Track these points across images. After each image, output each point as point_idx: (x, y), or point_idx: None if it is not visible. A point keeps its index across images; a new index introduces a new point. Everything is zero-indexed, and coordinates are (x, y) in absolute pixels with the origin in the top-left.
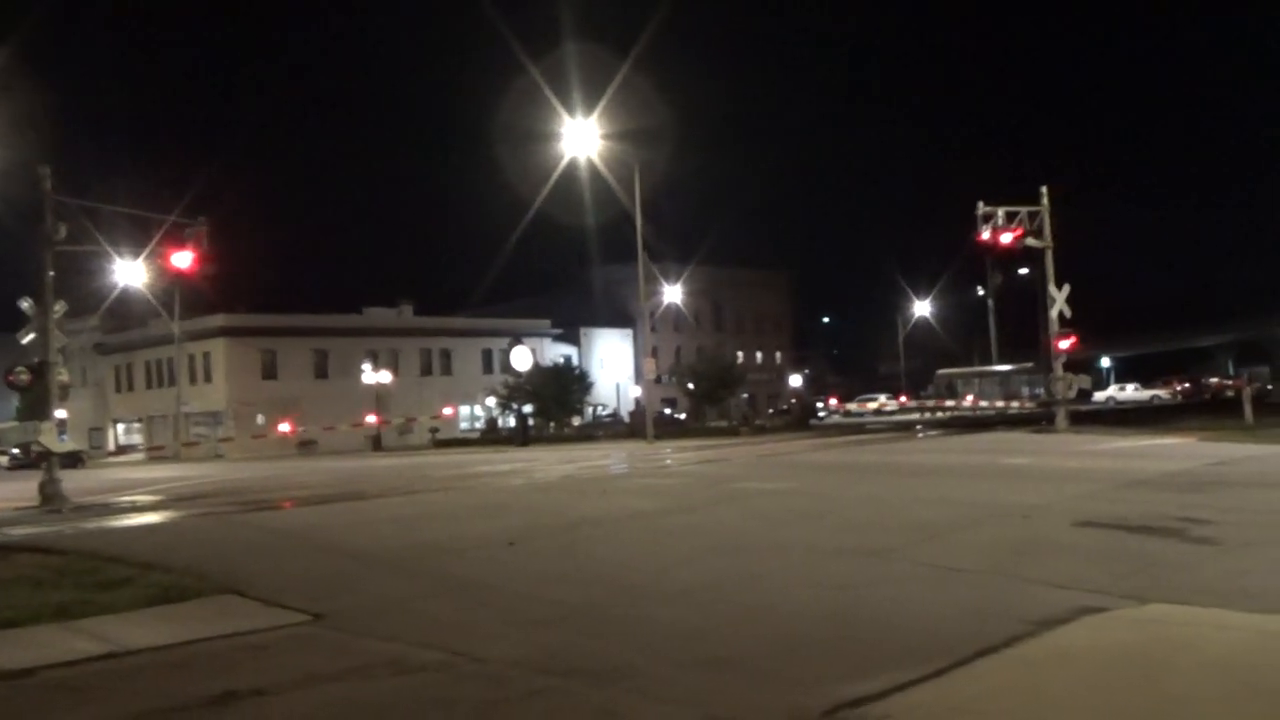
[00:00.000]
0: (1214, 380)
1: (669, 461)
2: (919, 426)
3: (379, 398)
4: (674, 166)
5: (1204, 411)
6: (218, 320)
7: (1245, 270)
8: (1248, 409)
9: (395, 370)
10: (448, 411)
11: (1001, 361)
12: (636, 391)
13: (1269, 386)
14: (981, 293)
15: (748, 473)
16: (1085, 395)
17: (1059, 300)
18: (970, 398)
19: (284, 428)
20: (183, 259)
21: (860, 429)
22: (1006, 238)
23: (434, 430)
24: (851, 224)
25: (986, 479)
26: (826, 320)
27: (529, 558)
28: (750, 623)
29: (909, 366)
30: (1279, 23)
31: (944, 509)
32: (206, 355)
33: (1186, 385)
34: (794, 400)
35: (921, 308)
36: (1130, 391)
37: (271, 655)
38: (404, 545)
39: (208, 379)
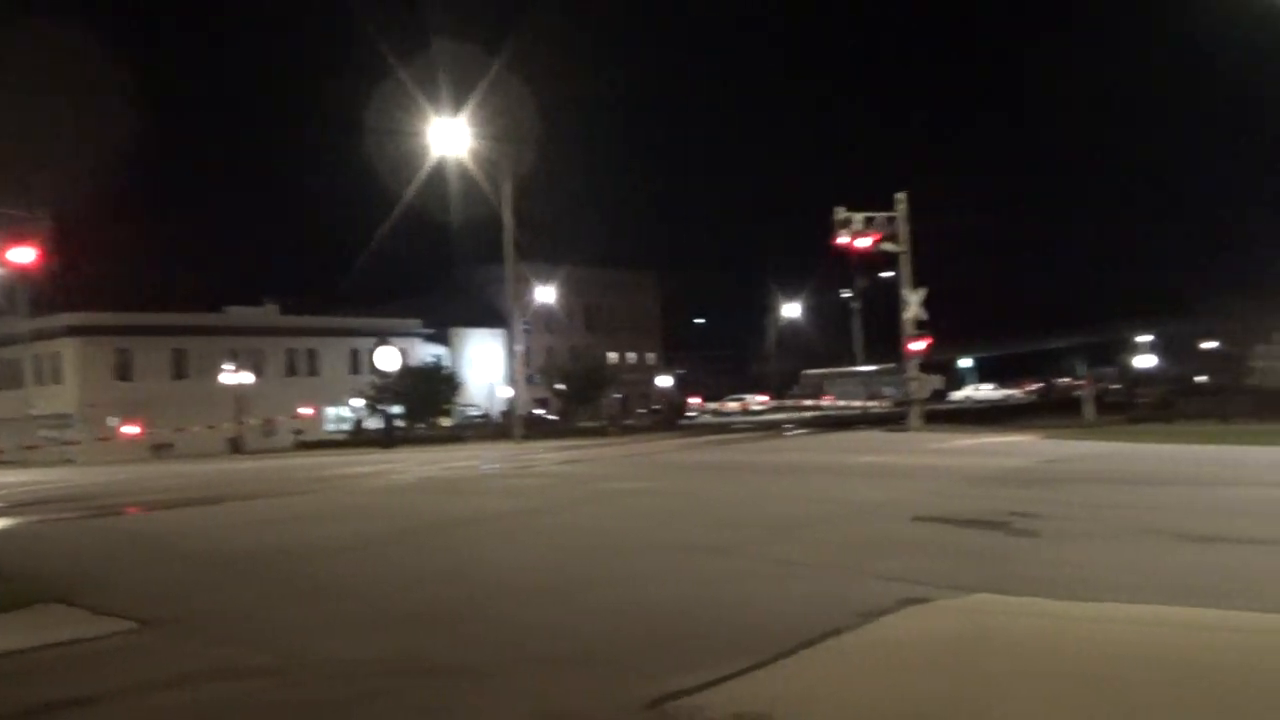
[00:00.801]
0: (1064, 381)
1: (536, 462)
2: (788, 425)
3: (239, 399)
4: (547, 166)
5: (1052, 410)
6: (67, 319)
7: (1098, 277)
8: (1088, 408)
9: (259, 371)
10: (306, 411)
11: (867, 362)
12: (509, 392)
13: (1113, 386)
14: (847, 295)
15: (613, 472)
16: (941, 395)
17: (914, 303)
18: (826, 398)
19: (131, 430)
20: (23, 254)
21: (727, 429)
22: (863, 242)
23: (298, 432)
24: (724, 225)
25: (839, 477)
26: (700, 321)
27: (386, 560)
28: (606, 619)
29: (780, 367)
30: (1135, 38)
31: (797, 506)
32: (55, 356)
33: (1039, 385)
34: (663, 400)
35: (791, 309)
36: (986, 391)
37: (96, 665)
38: (254, 550)
39: (57, 380)
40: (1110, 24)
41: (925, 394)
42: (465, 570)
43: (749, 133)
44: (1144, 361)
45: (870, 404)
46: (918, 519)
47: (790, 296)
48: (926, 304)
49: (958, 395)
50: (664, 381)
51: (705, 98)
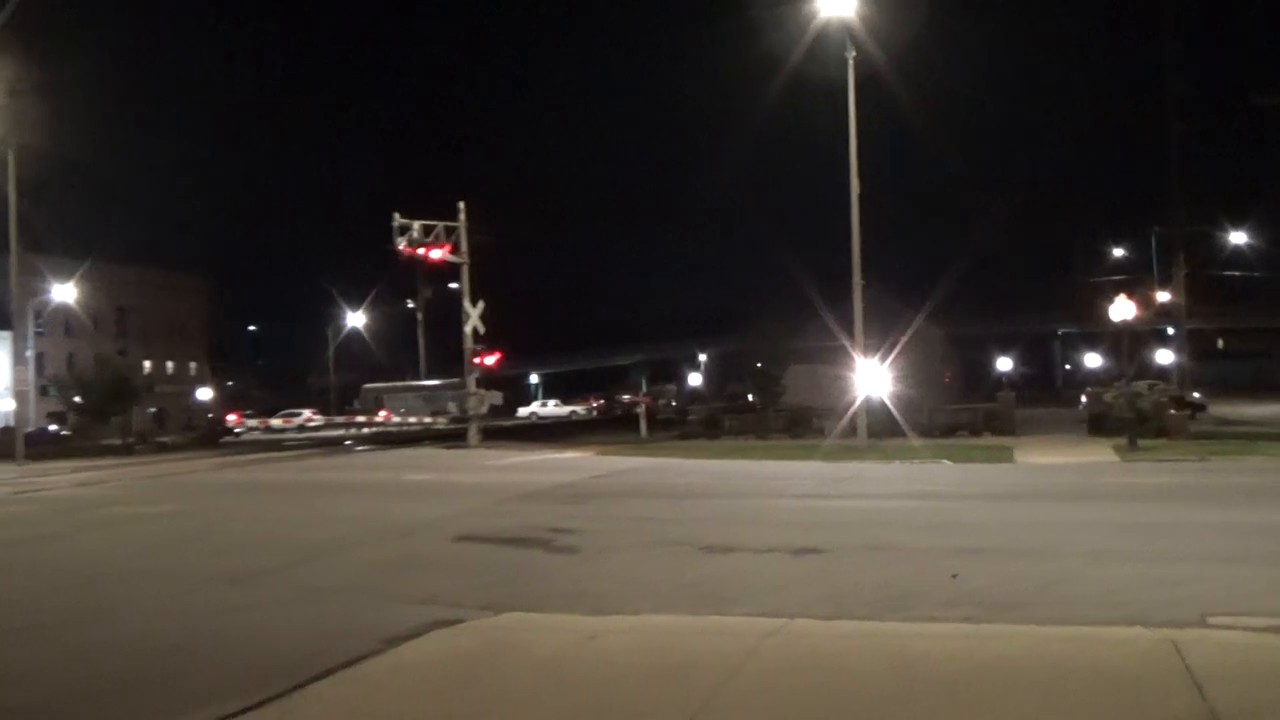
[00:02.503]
0: (626, 397)
1: (43, 485)
2: (349, 442)
3: None
4: (76, 147)
5: (612, 426)
6: None
7: (660, 297)
8: (643, 424)
9: None
10: None
11: (432, 376)
12: (11, 405)
13: (673, 403)
14: (411, 305)
15: (130, 495)
16: (507, 411)
17: (474, 316)
18: (384, 414)
19: None
20: None
21: (278, 445)
22: (436, 254)
23: None
24: (281, 228)
25: (386, 496)
26: (253, 329)
27: None
28: (81, 662)
29: (342, 380)
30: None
31: (335, 528)
32: None
33: (602, 402)
34: (201, 415)
35: (355, 319)
36: (552, 407)
37: None
38: None
39: None
40: (673, 52)
41: (484, 410)
42: None
43: (317, 132)
44: (696, 379)
45: (430, 420)
46: (460, 539)
47: (354, 305)
48: (493, 317)
49: (523, 411)
50: (203, 394)
51: (264, 96)
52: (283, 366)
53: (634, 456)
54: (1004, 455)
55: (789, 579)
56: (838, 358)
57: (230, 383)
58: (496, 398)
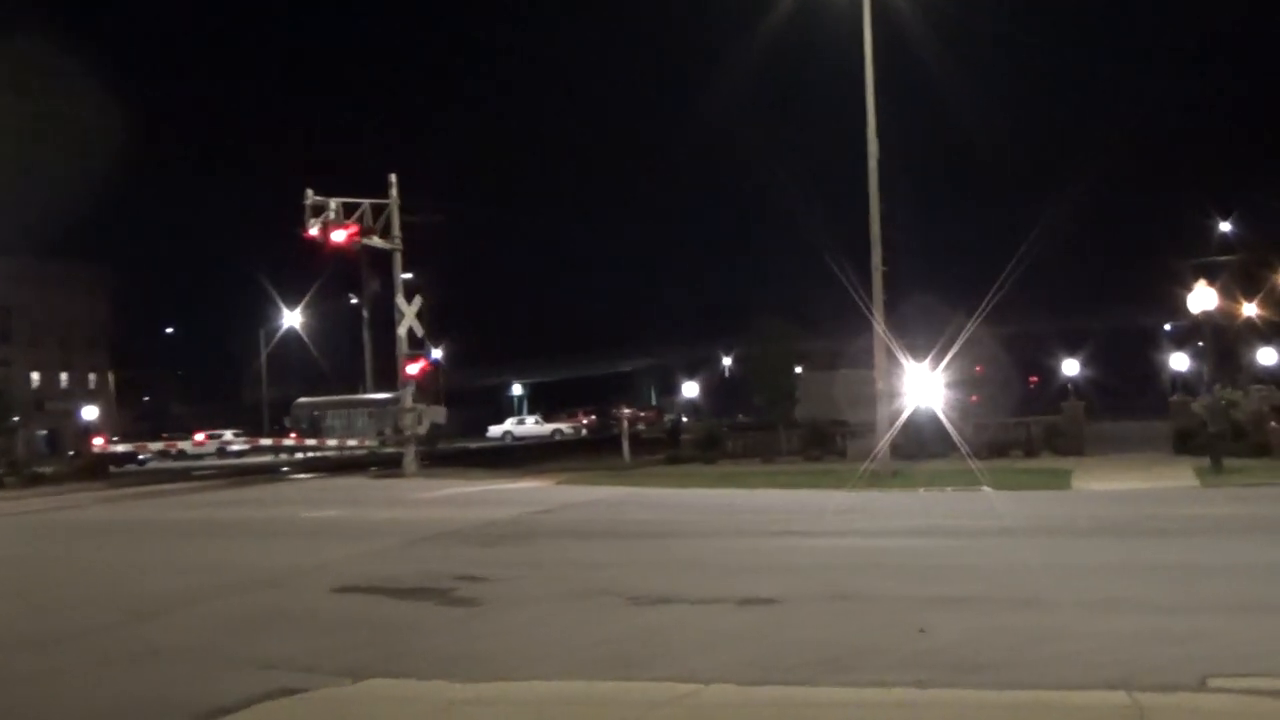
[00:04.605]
0: (627, 411)
1: None
2: (285, 469)
3: None
4: None
5: (598, 448)
6: None
7: (674, 290)
8: (625, 446)
9: None
10: None
11: (382, 387)
12: None
13: (684, 418)
14: (355, 301)
15: None
16: (474, 429)
17: (409, 315)
18: (315, 435)
19: None
20: None
21: (185, 475)
22: (339, 235)
23: None
24: (203, 211)
25: (274, 537)
26: (170, 331)
27: None
28: None
29: (281, 393)
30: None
31: (194, 577)
32: None
33: (594, 418)
34: (90, 439)
35: (292, 319)
36: (531, 425)
37: None
38: None
39: None
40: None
41: (422, 429)
42: None
43: (243, 105)
44: (690, 390)
45: (371, 442)
46: (343, 589)
47: (292, 303)
48: (465, 317)
49: (495, 430)
50: (88, 414)
51: (177, 66)
52: (210, 377)
53: (602, 486)
54: (1059, 480)
55: (724, 635)
56: (868, 361)
57: (146, 398)
58: (439, 414)
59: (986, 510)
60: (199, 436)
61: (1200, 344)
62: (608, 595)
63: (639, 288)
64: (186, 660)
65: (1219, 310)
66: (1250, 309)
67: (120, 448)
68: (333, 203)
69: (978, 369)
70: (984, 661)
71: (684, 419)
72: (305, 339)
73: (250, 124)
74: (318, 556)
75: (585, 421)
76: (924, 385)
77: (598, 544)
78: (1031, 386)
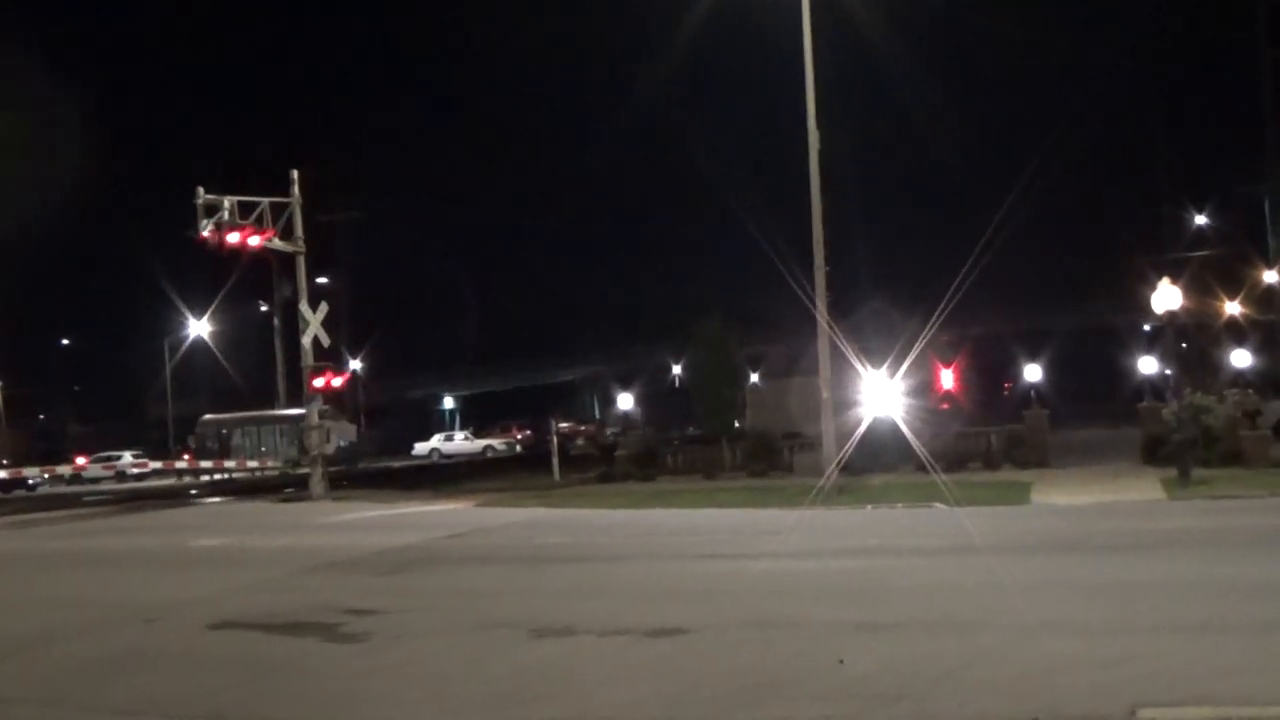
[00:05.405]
0: (565, 425)
1: None
2: (194, 492)
3: None
4: None
5: (530, 465)
6: None
7: (620, 292)
8: (555, 464)
9: None
10: None
11: (295, 403)
12: None
13: (616, 431)
14: (266, 308)
15: None
16: (397, 445)
17: (313, 323)
18: (222, 454)
19: None
20: None
21: (75, 501)
22: (234, 237)
23: None
24: (103, 213)
25: (152, 568)
26: (67, 342)
27: None
28: None
29: (190, 409)
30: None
31: (52, 614)
32: None
33: (528, 432)
34: None
35: (199, 328)
36: (460, 441)
37: None
38: None
39: None
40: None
41: (328, 448)
42: None
43: (149, 99)
44: (626, 402)
45: (276, 463)
46: (220, 624)
47: (198, 311)
48: (388, 324)
49: (422, 448)
50: None
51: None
52: (111, 393)
53: (524, 507)
54: (1018, 494)
55: (626, 669)
56: (815, 369)
57: (41, 416)
58: (348, 432)
59: (934, 528)
60: (80, 460)
61: (1166, 346)
62: (508, 627)
63: (582, 290)
64: (24, 710)
65: (1186, 309)
66: (1234, 308)
67: (2, 474)
68: (227, 201)
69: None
70: (904, 692)
71: (615, 432)
72: (215, 350)
73: (156, 120)
74: (198, 589)
75: (520, 436)
76: (881, 393)
77: (504, 571)
78: (1006, 392)
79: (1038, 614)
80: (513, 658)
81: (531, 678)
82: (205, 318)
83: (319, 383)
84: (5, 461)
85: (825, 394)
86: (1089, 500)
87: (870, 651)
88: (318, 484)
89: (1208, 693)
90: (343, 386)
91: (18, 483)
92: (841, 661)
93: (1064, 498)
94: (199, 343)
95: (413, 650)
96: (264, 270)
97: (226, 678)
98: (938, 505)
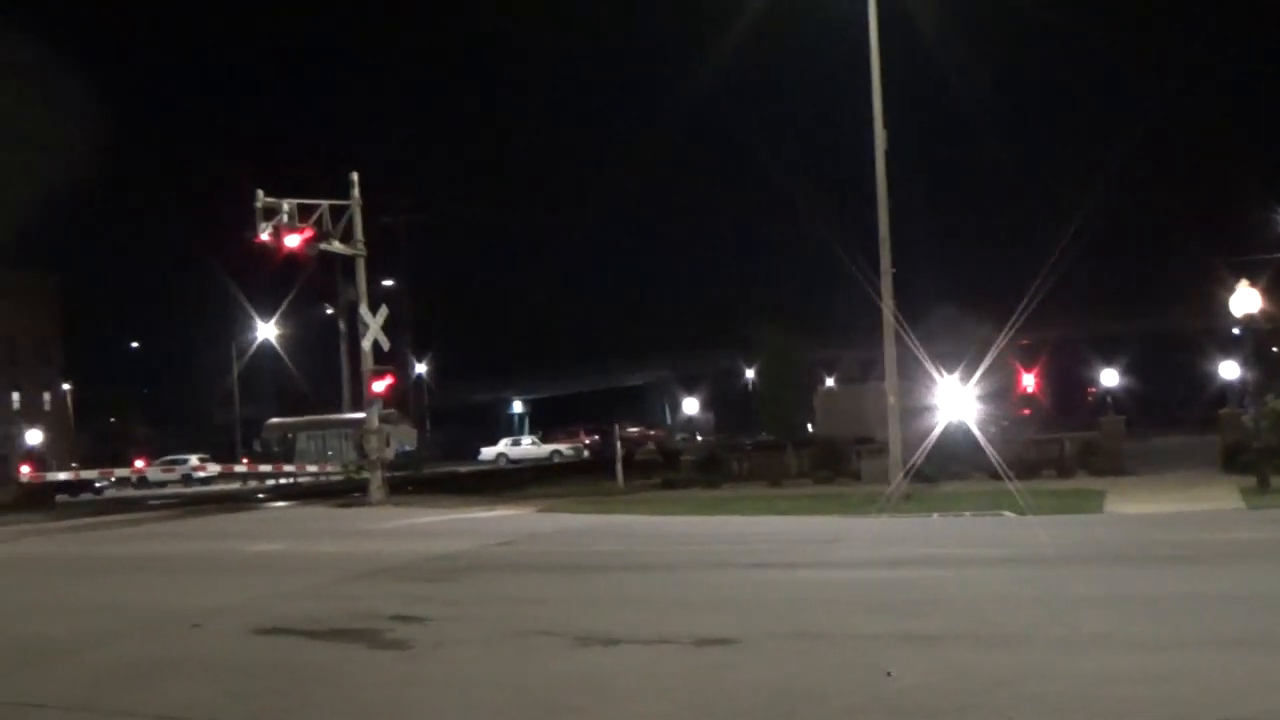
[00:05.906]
0: (633, 430)
1: None
2: (261, 495)
3: None
4: None
5: (593, 471)
6: None
7: (693, 294)
8: (619, 470)
9: None
10: None
11: (359, 407)
12: None
13: (682, 437)
14: (331, 311)
15: None
16: (465, 451)
17: (374, 327)
18: (287, 458)
19: None
20: None
21: (139, 505)
22: (293, 240)
23: None
24: (170, 217)
25: (203, 573)
26: (136, 346)
27: None
28: None
29: (256, 413)
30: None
31: (91, 619)
32: None
33: (595, 437)
34: (30, 463)
35: (267, 331)
36: (527, 446)
37: None
38: None
39: None
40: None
41: (388, 454)
42: None
43: (212, 105)
44: (691, 407)
45: (334, 467)
46: (264, 630)
47: (266, 315)
48: (459, 326)
49: (488, 453)
50: (32, 438)
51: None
52: (178, 397)
53: (583, 514)
54: (1090, 503)
55: (667, 679)
56: (905, 373)
57: (111, 419)
58: (409, 436)
59: (1001, 537)
60: (139, 463)
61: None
62: (551, 635)
63: (654, 293)
64: (54, 714)
65: (1265, 313)
66: None
67: (62, 475)
68: (286, 204)
69: (1021, 391)
70: (944, 706)
71: (684, 437)
72: (281, 353)
73: (221, 125)
74: (246, 594)
75: (587, 442)
76: (956, 399)
77: (552, 578)
78: (1089, 398)
79: (1095, 627)
80: (553, 667)
81: (570, 687)
82: (272, 321)
83: (379, 386)
84: (75, 465)
85: (891, 399)
86: (1163, 509)
87: (917, 665)
88: (377, 489)
89: (1254, 710)
90: (385, 392)
91: (85, 485)
92: (890, 674)
93: (1137, 507)
94: (266, 346)
95: (453, 658)
96: (329, 273)
97: (264, 684)
98: (1007, 514)
